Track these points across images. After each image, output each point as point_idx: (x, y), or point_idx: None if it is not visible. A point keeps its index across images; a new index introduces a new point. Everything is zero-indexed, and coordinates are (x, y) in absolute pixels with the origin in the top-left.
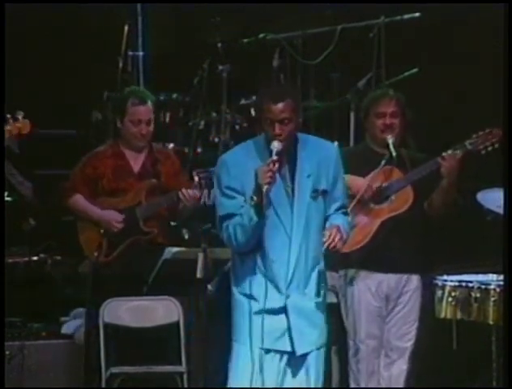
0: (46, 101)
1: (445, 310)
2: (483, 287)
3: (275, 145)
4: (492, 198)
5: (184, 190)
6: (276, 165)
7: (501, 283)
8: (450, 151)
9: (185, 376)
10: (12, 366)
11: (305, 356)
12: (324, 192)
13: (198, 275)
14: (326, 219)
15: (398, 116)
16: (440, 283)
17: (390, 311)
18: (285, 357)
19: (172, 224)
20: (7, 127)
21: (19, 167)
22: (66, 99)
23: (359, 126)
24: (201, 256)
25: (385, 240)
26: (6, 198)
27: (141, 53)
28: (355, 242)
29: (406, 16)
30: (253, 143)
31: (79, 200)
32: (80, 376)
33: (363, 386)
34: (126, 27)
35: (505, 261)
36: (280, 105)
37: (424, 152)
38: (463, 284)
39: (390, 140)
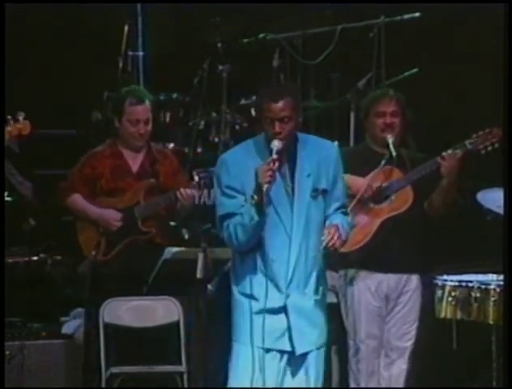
0: (46, 101)
1: (445, 310)
2: (483, 287)
3: (276, 144)
4: (492, 198)
5: (182, 190)
6: (276, 164)
7: (501, 283)
8: (449, 151)
9: (185, 376)
10: (12, 366)
11: (304, 355)
12: (324, 191)
13: (198, 275)
14: (325, 218)
15: (399, 115)
16: (440, 283)
17: (389, 311)
18: (285, 357)
19: (172, 224)
20: (8, 128)
21: (19, 167)
22: (66, 99)
23: (359, 126)
24: (201, 256)
25: (385, 240)
26: (6, 198)
27: (141, 53)
28: (355, 242)
29: (406, 16)
30: (253, 142)
31: (78, 200)
32: (80, 376)
33: (363, 386)
34: (126, 27)
35: (505, 261)
36: (280, 104)
37: (424, 152)
38: (463, 284)
39: (390, 140)
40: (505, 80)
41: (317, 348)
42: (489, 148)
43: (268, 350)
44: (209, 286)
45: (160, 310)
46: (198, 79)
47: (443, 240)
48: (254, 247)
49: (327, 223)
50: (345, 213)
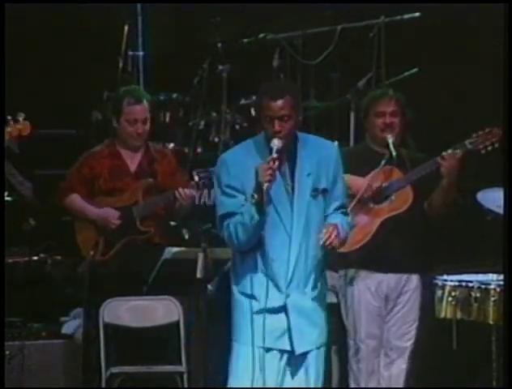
0: (46, 101)
1: (445, 310)
2: (483, 287)
3: (275, 143)
4: (492, 198)
5: (180, 189)
6: (276, 163)
7: (501, 283)
8: (449, 151)
9: (185, 376)
10: (12, 366)
11: (304, 355)
12: (324, 191)
13: (198, 275)
14: (325, 218)
15: (398, 115)
16: (440, 283)
17: (389, 311)
18: (285, 356)
19: (172, 224)
20: (8, 129)
21: (19, 167)
22: (66, 99)
23: (359, 126)
24: (201, 256)
25: (385, 240)
26: (6, 198)
27: (141, 53)
28: (355, 242)
29: (406, 16)
30: (253, 141)
31: (76, 200)
32: (80, 376)
33: (363, 385)
34: (126, 27)
35: (505, 261)
36: (279, 102)
37: (424, 152)
38: (463, 283)
39: (390, 140)
40: (505, 80)
41: (317, 348)
42: (489, 148)
43: (268, 350)
44: (209, 286)
45: (159, 310)
46: (198, 79)
47: (443, 240)
48: (254, 247)
49: (326, 222)
50: (345, 213)
